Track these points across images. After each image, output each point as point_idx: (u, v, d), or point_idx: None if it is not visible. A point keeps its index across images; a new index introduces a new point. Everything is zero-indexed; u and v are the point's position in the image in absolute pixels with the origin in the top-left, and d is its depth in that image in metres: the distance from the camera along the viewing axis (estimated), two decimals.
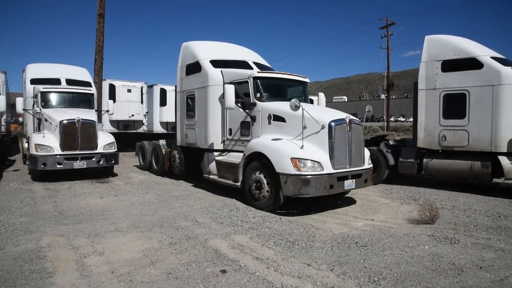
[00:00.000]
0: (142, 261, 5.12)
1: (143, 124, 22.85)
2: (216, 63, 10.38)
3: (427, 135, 10.78)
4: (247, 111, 8.94)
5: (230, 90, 8.67)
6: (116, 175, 13.18)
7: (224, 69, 9.94)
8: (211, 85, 10.02)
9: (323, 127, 7.55)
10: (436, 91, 10.60)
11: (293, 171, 7.30)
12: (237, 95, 8.85)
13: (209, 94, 10.06)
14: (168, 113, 22.09)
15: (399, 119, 71.30)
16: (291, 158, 7.37)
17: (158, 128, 22.22)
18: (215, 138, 10.02)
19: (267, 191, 7.92)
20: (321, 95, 11.45)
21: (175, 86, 12.13)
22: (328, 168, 7.46)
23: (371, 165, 8.80)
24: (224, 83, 9.46)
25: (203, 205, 8.51)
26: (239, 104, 8.96)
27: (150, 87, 22.61)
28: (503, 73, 9.56)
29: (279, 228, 6.75)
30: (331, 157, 7.55)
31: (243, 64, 10.75)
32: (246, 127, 9.13)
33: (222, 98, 9.31)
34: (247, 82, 9.05)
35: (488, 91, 9.69)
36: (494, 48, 10.83)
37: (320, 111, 8.29)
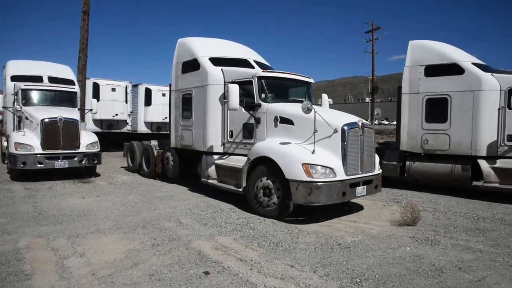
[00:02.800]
0: (124, 263, 5.05)
1: (127, 123, 22.57)
2: (216, 61, 9.86)
3: (410, 138, 10.95)
4: (251, 112, 8.45)
5: (234, 90, 8.22)
6: (99, 175, 12.98)
7: (225, 68, 9.43)
8: (210, 84, 9.50)
9: (335, 131, 7.16)
10: (419, 95, 10.77)
11: (305, 177, 6.86)
12: (239, 96, 8.41)
13: (209, 94, 9.55)
14: (153, 113, 21.95)
15: (383, 122, 72.24)
16: (303, 164, 6.93)
17: (142, 128, 22.01)
18: (215, 140, 9.47)
19: (277, 198, 7.44)
20: (325, 96, 10.95)
21: (169, 85, 11.61)
22: (341, 175, 7.07)
23: (381, 170, 8.50)
24: (225, 83, 9.07)
25: (187, 206, 8.45)
26: (242, 105, 8.54)
27: (135, 86, 22.39)
28: (483, 79, 9.79)
29: (263, 229, 6.75)
30: (344, 162, 7.16)
31: (244, 63, 10.25)
32: (249, 130, 8.61)
33: (223, 98, 9.01)
34: (251, 82, 8.56)
35: (469, 96, 9.90)
36: (475, 54, 11.10)
37: (331, 114, 7.94)
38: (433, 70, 10.57)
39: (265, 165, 7.69)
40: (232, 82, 8.63)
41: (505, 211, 8.53)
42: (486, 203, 9.31)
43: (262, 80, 8.54)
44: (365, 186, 7.60)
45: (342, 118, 7.63)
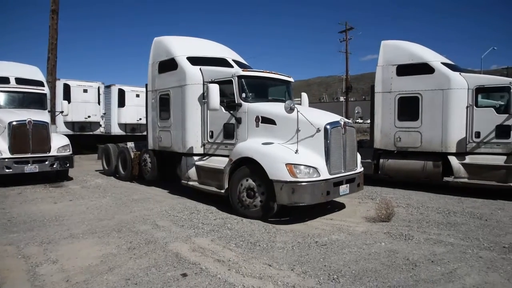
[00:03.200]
0: (99, 268, 4.94)
1: (100, 125, 22.07)
2: (194, 60, 9.63)
3: (383, 136, 11.20)
4: (231, 112, 8.30)
5: (215, 89, 8.04)
6: (72, 179, 12.64)
7: (203, 67, 9.28)
8: (189, 84, 9.29)
9: (318, 130, 7.13)
10: (391, 94, 11.03)
11: (289, 177, 6.80)
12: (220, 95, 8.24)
13: (187, 94, 9.33)
14: (126, 115, 21.59)
15: (357, 121, 73.51)
16: (286, 164, 6.88)
17: (116, 130, 21.63)
18: (194, 141, 9.29)
19: (260, 199, 7.37)
20: (304, 95, 10.83)
21: (146, 85, 11.30)
22: (325, 174, 7.06)
23: (362, 169, 8.56)
24: (204, 82, 8.97)
25: (163, 208, 8.34)
26: (222, 105, 8.37)
27: (108, 87, 21.95)
28: (452, 78, 10.13)
29: (241, 229, 6.75)
30: (327, 162, 7.16)
31: (223, 62, 10.06)
32: (230, 130, 8.46)
33: (202, 98, 8.93)
34: (230, 81, 8.39)
35: (439, 95, 10.21)
36: (445, 54, 11.46)
37: (314, 113, 7.90)
38: (404, 70, 10.85)
39: (248, 166, 7.58)
40: (212, 82, 8.47)
41: (473, 205, 8.84)
42: (456, 198, 9.63)
43: (242, 80, 8.40)
44: (348, 185, 7.65)
45: (325, 117, 7.62)
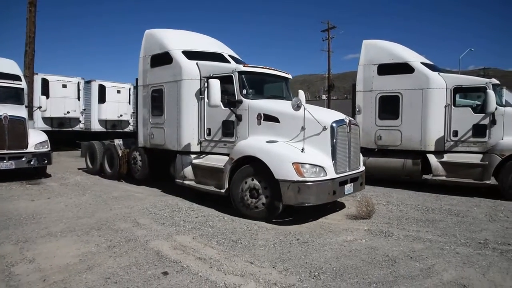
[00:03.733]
0: (77, 267, 4.85)
1: (80, 121, 21.65)
2: (189, 55, 9.21)
3: (364, 134, 11.31)
4: (232, 109, 8.00)
5: (216, 85, 7.74)
6: (50, 176, 12.35)
7: (200, 62, 8.91)
8: (185, 79, 8.88)
9: (324, 128, 6.94)
10: (372, 93, 11.19)
11: (296, 177, 6.58)
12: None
13: (183, 89, 8.92)
14: (107, 111, 21.29)
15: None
16: (293, 163, 6.65)
17: (96, 126, 21.31)
18: (191, 139, 8.88)
19: (264, 200, 7.11)
20: (301, 92, 10.24)
21: (136, 80, 10.79)
22: (331, 173, 6.88)
23: (364, 167, 8.45)
24: (201, 78, 8.66)
25: (144, 206, 8.25)
26: (222, 101, 8.09)
27: (88, 82, 21.56)
28: (431, 78, 10.36)
29: (222, 227, 6.73)
30: (334, 161, 6.98)
31: (219, 57, 9.69)
32: (229, 127, 8.16)
33: (199, 94, 8.67)
34: (230, 77, 8.09)
35: (418, 94, 10.41)
36: (425, 55, 11.68)
37: (319, 111, 7.66)
38: (385, 69, 11.01)
39: (251, 165, 7.31)
40: (211, 77, 8.13)
41: (451, 202, 9.05)
42: (434, 195, 9.84)
43: (243, 76, 8.12)
44: (352, 184, 7.54)
45: (330, 115, 7.49)
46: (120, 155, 11.59)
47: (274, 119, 7.56)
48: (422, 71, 10.49)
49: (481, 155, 9.72)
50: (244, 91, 8.10)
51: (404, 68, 10.70)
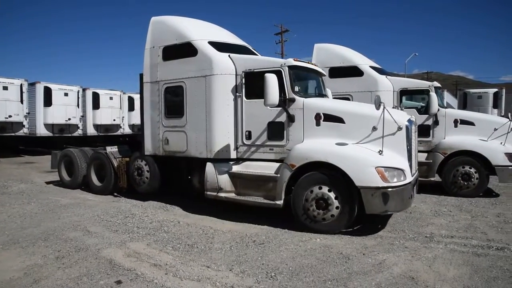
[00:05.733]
0: (22, 281, 4.57)
1: (24, 126, 20.39)
2: (218, 46, 8.03)
3: None
4: (286, 108, 7.06)
5: (274, 80, 6.73)
6: None
7: (233, 55, 7.84)
8: (217, 74, 7.65)
9: (399, 128, 6.31)
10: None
11: (381, 183, 5.97)
12: (258, 89, 7.05)
13: (215, 86, 7.67)
14: (54, 114, 20.30)
15: None
16: (376, 167, 6.05)
17: (42, 131, 20.23)
18: (225, 143, 7.68)
19: (337, 209, 6.37)
20: (328, 90, 9.25)
21: (140, 75, 9.14)
22: (409, 176, 6.31)
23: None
24: (237, 73, 7.58)
25: (95, 213, 7.92)
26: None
27: (32, 85, 20.36)
28: (379, 81, 10.85)
29: (178, 232, 6.62)
30: (410, 162, 6.48)
31: (245, 50, 8.72)
32: (278, 129, 7.20)
33: (236, 91, 7.59)
34: (278, 72, 7.02)
35: (367, 96, 10.65)
36: (374, 59, 12.22)
37: (392, 111, 6.91)
38: (336, 72, 11.37)
39: (320, 172, 6.53)
40: (268, 71, 6.97)
41: None
42: None
43: (293, 71, 7.24)
44: (415, 187, 7.06)
45: (401, 114, 6.93)
46: (116, 165, 9.78)
47: (338, 120, 6.81)
48: (371, 74, 10.95)
49: (426, 154, 10.27)
50: (296, 88, 7.27)
51: (354, 71, 11.11)
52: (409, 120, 6.67)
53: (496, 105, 22.50)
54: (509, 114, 9.68)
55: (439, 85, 10.85)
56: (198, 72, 7.92)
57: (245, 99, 7.50)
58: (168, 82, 8.49)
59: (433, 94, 9.97)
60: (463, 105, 22.77)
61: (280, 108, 7.08)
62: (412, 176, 6.48)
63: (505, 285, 4.45)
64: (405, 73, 46.06)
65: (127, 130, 25.37)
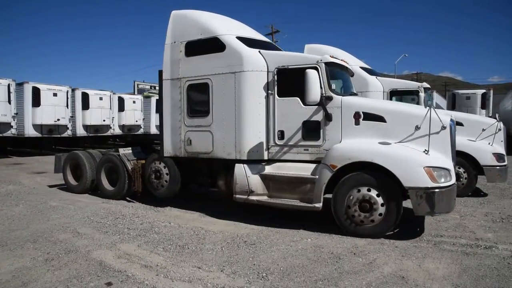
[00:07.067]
0: (11, 284, 4.50)
1: (12, 127, 20.12)
2: (246, 42, 7.68)
3: None
4: (325, 107, 6.76)
5: (315, 77, 6.49)
6: None
7: (263, 51, 7.52)
8: (248, 71, 7.26)
9: (443, 127, 6.11)
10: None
11: (430, 183, 5.80)
12: (292, 86, 6.89)
13: (245, 83, 7.30)
14: (42, 115, 20.11)
15: None
16: (425, 167, 5.87)
17: (30, 132, 20.01)
18: (256, 143, 7.31)
19: (380, 212, 6.15)
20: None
21: (159, 72, 8.57)
22: (453, 176, 6.14)
23: None
24: (269, 69, 7.26)
25: (85, 215, 7.84)
26: (301, 98, 6.90)
27: (20, 85, 20.12)
28: (369, 82, 11.04)
29: (169, 232, 6.59)
30: (454, 162, 6.33)
31: (272, 46, 8.50)
32: (313, 129, 6.89)
33: (267, 89, 7.27)
34: (315, 68, 6.73)
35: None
36: (364, 59, 12.32)
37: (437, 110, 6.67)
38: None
39: (364, 172, 6.29)
40: (309, 67, 6.73)
41: None
42: None
43: (330, 68, 6.96)
44: None
45: (444, 113, 6.78)
46: (130, 167, 9.16)
47: (379, 119, 6.57)
48: (362, 75, 11.02)
49: None
50: (334, 86, 7.02)
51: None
52: (451, 119, 6.51)
53: (484, 105, 22.84)
54: (497, 115, 9.84)
55: (428, 85, 10.99)
56: (226, 68, 7.52)
57: (277, 97, 7.19)
58: (191, 79, 8.03)
59: (422, 95, 10.10)
60: (452, 106, 23.08)
61: (316, 106, 6.79)
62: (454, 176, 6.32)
63: (493, 283, 4.51)
64: (395, 74, 46.50)
65: (117, 131, 25.27)
